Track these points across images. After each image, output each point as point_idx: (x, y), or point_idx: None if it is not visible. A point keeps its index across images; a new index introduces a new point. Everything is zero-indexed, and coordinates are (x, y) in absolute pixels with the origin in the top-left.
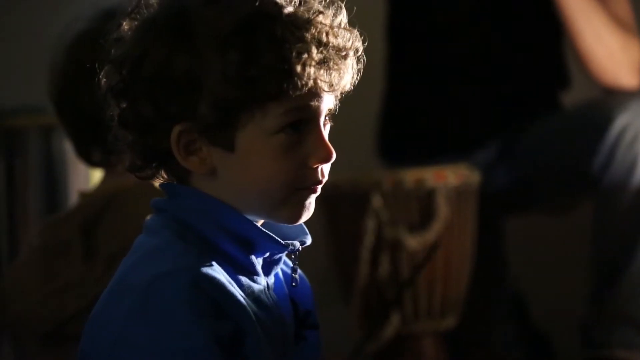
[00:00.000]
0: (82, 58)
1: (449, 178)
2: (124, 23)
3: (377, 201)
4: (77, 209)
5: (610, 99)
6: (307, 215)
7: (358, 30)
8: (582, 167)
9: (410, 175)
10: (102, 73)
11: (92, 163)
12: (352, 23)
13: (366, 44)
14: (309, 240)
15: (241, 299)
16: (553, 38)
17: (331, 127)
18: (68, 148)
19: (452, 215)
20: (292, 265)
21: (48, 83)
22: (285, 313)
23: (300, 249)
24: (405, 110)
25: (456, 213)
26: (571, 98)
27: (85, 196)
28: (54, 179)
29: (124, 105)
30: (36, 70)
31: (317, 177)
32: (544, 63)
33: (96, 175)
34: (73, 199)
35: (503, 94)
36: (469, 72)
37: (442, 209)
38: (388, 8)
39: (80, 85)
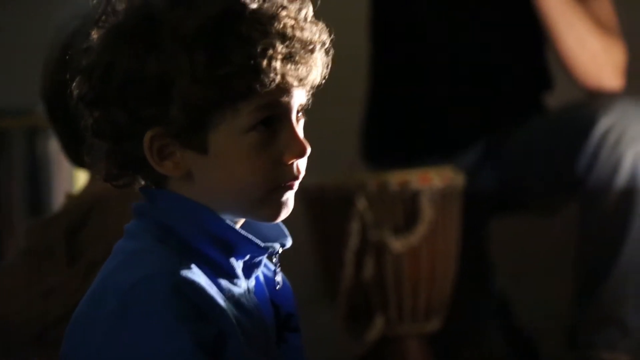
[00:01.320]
0: (76, 57)
1: (433, 180)
2: (92, 32)
3: (361, 203)
4: (63, 211)
5: (594, 100)
6: (286, 212)
7: (325, 24)
8: (566, 169)
9: (395, 178)
10: (73, 84)
11: (82, 165)
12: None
13: (348, 44)
14: (289, 243)
15: (222, 302)
16: (536, 40)
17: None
18: (52, 150)
19: (436, 217)
20: (273, 267)
21: (41, 81)
22: (266, 316)
23: (280, 251)
24: (390, 112)
25: (441, 215)
26: (555, 100)
27: (72, 198)
28: (38, 181)
29: (96, 114)
30: (20, 72)
31: (293, 173)
32: (528, 65)
33: (80, 177)
34: (57, 200)
35: (487, 96)
36: (453, 74)
37: (427, 211)
38: (371, 10)
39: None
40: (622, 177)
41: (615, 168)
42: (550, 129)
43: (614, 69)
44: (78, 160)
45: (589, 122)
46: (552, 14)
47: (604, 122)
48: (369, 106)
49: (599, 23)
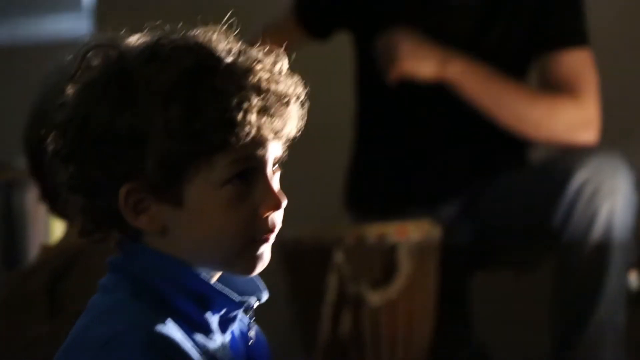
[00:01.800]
0: (51, 112)
1: (411, 233)
2: (67, 88)
3: (339, 257)
4: (41, 263)
5: (570, 154)
6: (262, 265)
7: (299, 78)
8: (543, 223)
9: (373, 231)
10: (48, 140)
11: (63, 215)
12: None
13: (335, 99)
14: (265, 297)
15: (197, 357)
16: None
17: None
18: (28, 203)
19: (414, 270)
20: (248, 322)
21: (25, 133)
22: None
23: (255, 306)
24: (373, 164)
25: (419, 268)
26: (538, 153)
27: (48, 250)
28: (14, 233)
29: (71, 169)
30: None
31: (269, 226)
32: None
33: (57, 230)
34: (33, 252)
35: (469, 150)
36: (435, 128)
37: (405, 264)
38: (357, 63)
39: None
40: (598, 230)
41: (590, 222)
42: (527, 183)
43: (573, 127)
44: (59, 211)
45: (565, 176)
46: (477, 99)
47: (580, 176)
48: (354, 158)
49: (545, 87)
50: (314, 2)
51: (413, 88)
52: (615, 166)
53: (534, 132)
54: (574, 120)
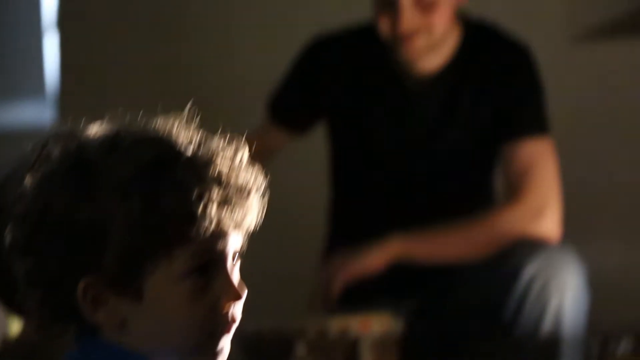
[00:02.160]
0: (7, 204)
1: (373, 327)
2: (26, 178)
3: (301, 350)
4: (1, 356)
5: (520, 247)
6: (222, 359)
7: (260, 168)
8: (496, 318)
9: (335, 324)
10: (5, 231)
11: (17, 311)
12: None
13: (297, 190)
14: None
15: None
16: (483, 186)
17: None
18: None
19: None
20: None
21: None
22: None
23: None
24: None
25: None
26: None
27: (7, 343)
28: None
29: (29, 262)
30: None
31: (229, 319)
32: (478, 209)
33: (15, 322)
34: None
35: None
36: (404, 222)
37: (367, 358)
38: (332, 154)
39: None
40: (546, 326)
41: (539, 317)
42: (482, 277)
43: (523, 224)
44: (12, 307)
45: (515, 271)
46: (426, 259)
47: (529, 271)
48: (328, 245)
49: (504, 177)
50: (289, 97)
51: (385, 185)
52: (565, 261)
53: (491, 249)
54: (522, 218)
